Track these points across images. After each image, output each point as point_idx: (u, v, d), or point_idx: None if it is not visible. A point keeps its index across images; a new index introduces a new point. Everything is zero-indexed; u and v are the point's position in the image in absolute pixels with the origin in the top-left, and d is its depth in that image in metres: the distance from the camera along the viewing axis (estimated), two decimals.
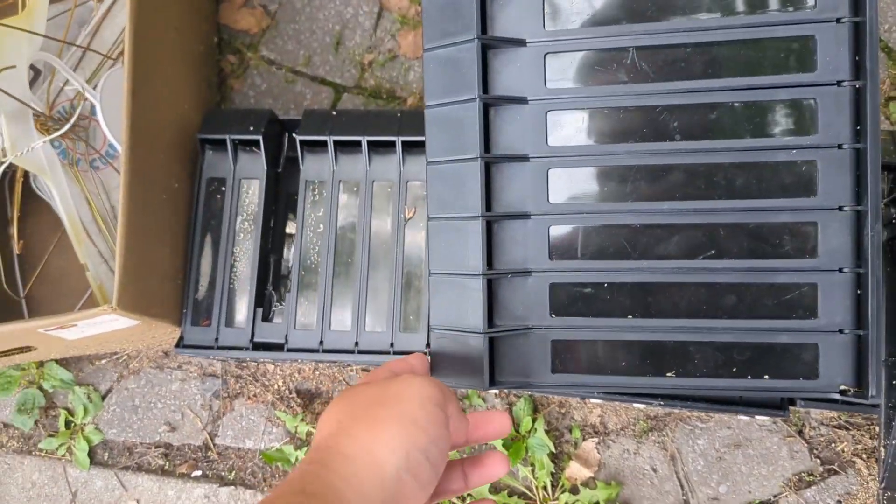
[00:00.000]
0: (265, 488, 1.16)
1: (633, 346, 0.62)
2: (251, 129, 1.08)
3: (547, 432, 1.12)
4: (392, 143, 1.06)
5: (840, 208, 0.59)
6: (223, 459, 1.19)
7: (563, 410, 1.14)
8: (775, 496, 1.07)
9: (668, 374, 0.61)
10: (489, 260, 0.63)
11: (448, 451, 0.52)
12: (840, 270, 0.59)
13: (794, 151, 0.59)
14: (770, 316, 0.60)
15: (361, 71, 1.29)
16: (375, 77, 1.28)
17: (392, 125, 1.07)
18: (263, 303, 1.07)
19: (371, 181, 1.08)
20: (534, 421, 1.12)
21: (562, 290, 0.63)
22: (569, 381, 0.63)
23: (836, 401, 0.63)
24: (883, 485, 0.87)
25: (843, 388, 0.58)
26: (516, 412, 1.13)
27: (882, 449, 0.88)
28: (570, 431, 1.13)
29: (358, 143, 1.06)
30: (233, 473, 1.18)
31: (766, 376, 0.59)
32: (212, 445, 1.19)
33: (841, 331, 0.59)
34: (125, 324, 0.95)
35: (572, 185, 0.63)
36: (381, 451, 0.48)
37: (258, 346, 1.05)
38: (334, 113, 1.09)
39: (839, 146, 0.59)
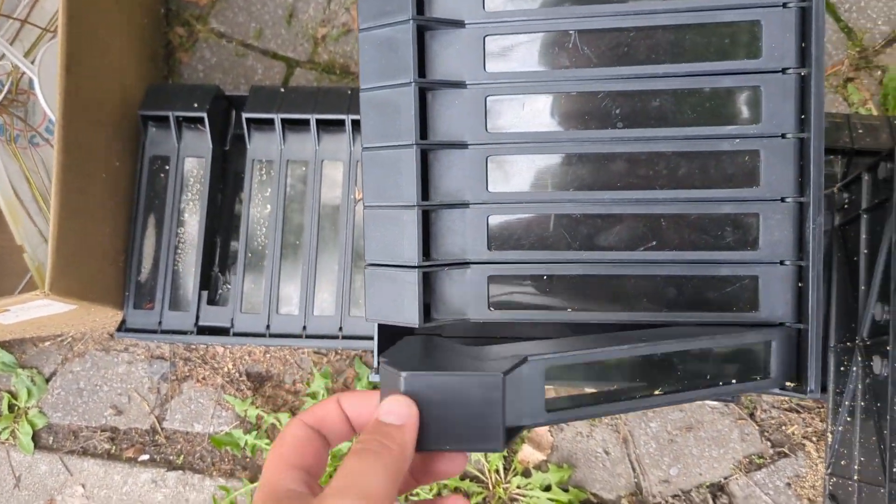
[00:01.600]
0: (214, 473, 1.14)
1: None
2: (196, 105, 1.04)
3: None
4: (342, 122, 1.03)
5: (783, 199, 0.57)
6: (171, 443, 1.16)
7: None
8: (725, 478, 1.07)
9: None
10: (426, 251, 0.61)
11: None
12: (781, 263, 0.58)
13: (738, 141, 0.58)
14: (711, 309, 0.59)
15: (315, 45, 1.25)
16: (329, 52, 1.25)
17: (342, 103, 1.04)
18: (209, 285, 1.04)
19: (320, 161, 1.05)
20: None
21: (501, 282, 0.61)
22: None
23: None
24: (829, 470, 0.87)
25: (787, 384, 0.57)
26: None
27: (829, 434, 0.88)
28: None
29: (307, 122, 1.03)
30: (181, 458, 1.15)
31: (708, 376, 0.58)
32: (159, 429, 1.17)
33: (782, 324, 0.58)
34: (61, 308, 0.92)
35: (512, 173, 0.61)
36: None
37: (203, 330, 1.02)
38: (282, 90, 1.06)
39: (783, 136, 0.57)
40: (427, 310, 0.62)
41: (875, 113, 1.12)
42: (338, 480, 0.37)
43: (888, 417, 0.73)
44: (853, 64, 1.15)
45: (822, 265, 0.56)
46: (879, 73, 1.14)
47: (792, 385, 0.58)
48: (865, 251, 0.83)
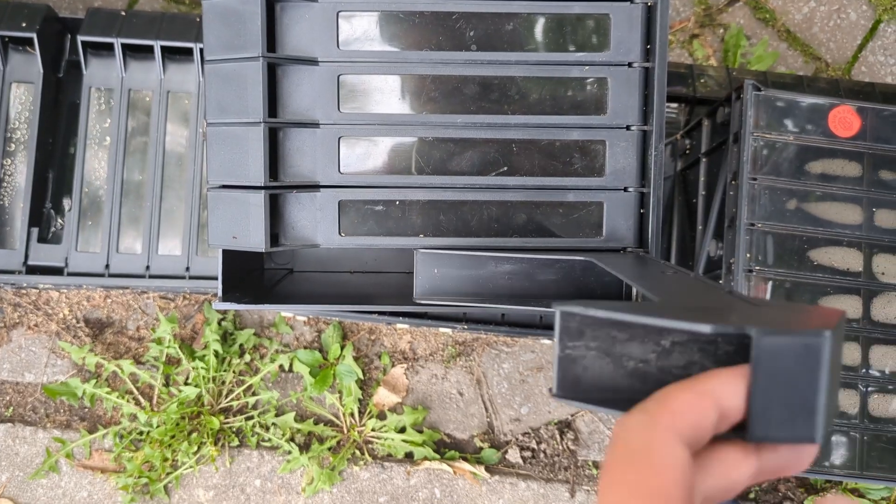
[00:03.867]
0: (48, 425, 1.06)
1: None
2: (24, 25, 0.95)
3: (356, 359, 1.10)
4: (190, 51, 0.97)
5: (628, 127, 0.59)
6: None
7: (372, 337, 1.12)
8: (572, 415, 1.11)
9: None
10: (273, 172, 0.58)
11: None
12: (625, 189, 0.60)
13: (588, 68, 0.58)
14: (558, 235, 0.60)
15: None
16: None
17: (190, 30, 0.97)
18: (41, 222, 0.96)
19: (166, 91, 0.98)
20: (342, 348, 1.09)
21: (351, 207, 0.60)
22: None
23: None
24: None
25: None
26: (325, 339, 1.10)
27: None
28: (380, 358, 1.11)
29: (150, 49, 0.96)
30: (10, 410, 1.07)
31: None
32: None
33: (624, 249, 0.60)
34: None
35: (364, 93, 0.59)
36: None
37: (34, 270, 0.95)
38: (123, 13, 0.98)
39: (629, 64, 0.58)
40: (275, 237, 0.59)
41: (716, 65, 1.18)
42: None
43: None
44: (699, 21, 1.20)
45: (664, 202, 0.59)
46: (722, 30, 1.20)
47: None
48: (703, 192, 0.87)
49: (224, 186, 0.58)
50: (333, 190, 0.59)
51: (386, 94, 0.59)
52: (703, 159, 0.88)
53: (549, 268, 0.58)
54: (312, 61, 0.58)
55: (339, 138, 0.59)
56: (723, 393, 0.29)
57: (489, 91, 0.59)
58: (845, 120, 0.79)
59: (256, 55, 0.55)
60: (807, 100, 0.79)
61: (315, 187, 0.59)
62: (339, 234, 0.60)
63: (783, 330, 0.28)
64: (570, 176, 0.60)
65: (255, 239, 0.58)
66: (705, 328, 0.29)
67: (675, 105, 0.98)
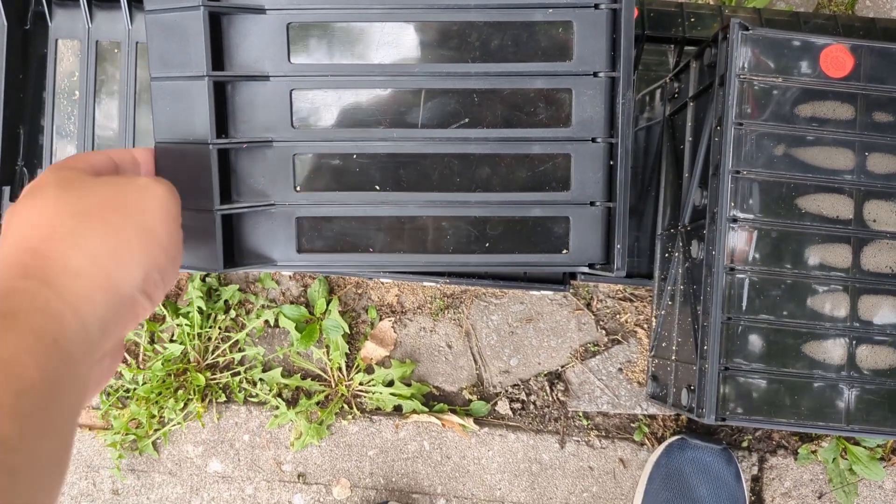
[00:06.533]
0: None
1: (383, 222, 0.58)
2: None
3: (343, 313, 1.09)
4: None
5: (595, 74, 0.56)
6: None
7: (359, 291, 1.11)
8: (562, 366, 1.10)
9: (421, 251, 0.58)
10: (223, 128, 0.56)
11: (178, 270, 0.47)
12: (593, 140, 0.57)
13: (551, 11, 0.55)
14: (523, 188, 0.57)
15: None
16: None
17: None
18: (13, 181, 0.95)
19: (135, 42, 0.95)
20: (328, 302, 1.08)
21: (307, 161, 0.57)
22: (315, 261, 0.58)
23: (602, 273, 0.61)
24: (652, 353, 0.90)
25: (590, 262, 0.57)
26: (311, 294, 1.09)
27: (653, 319, 0.91)
28: (367, 312, 1.10)
29: None
30: None
31: (517, 252, 0.57)
32: None
33: (592, 203, 0.57)
34: None
35: (316, 45, 0.56)
36: (117, 268, 0.40)
37: None
38: None
39: (596, 6, 0.55)
40: (228, 194, 0.57)
41: (711, 3, 1.13)
42: None
43: (701, 298, 0.76)
44: None
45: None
46: None
47: (599, 266, 0.58)
48: (690, 139, 0.84)
49: (171, 143, 0.55)
50: (287, 144, 0.57)
51: (338, 44, 0.56)
52: (691, 103, 0.84)
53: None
54: (259, 9, 0.55)
55: (291, 91, 0.56)
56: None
57: (448, 38, 0.56)
58: (838, 59, 0.75)
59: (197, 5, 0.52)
60: (797, 38, 0.75)
61: (268, 142, 0.57)
62: (295, 189, 0.58)
63: None
64: (535, 127, 0.57)
65: (205, 200, 0.56)
66: None
67: (662, 46, 0.94)
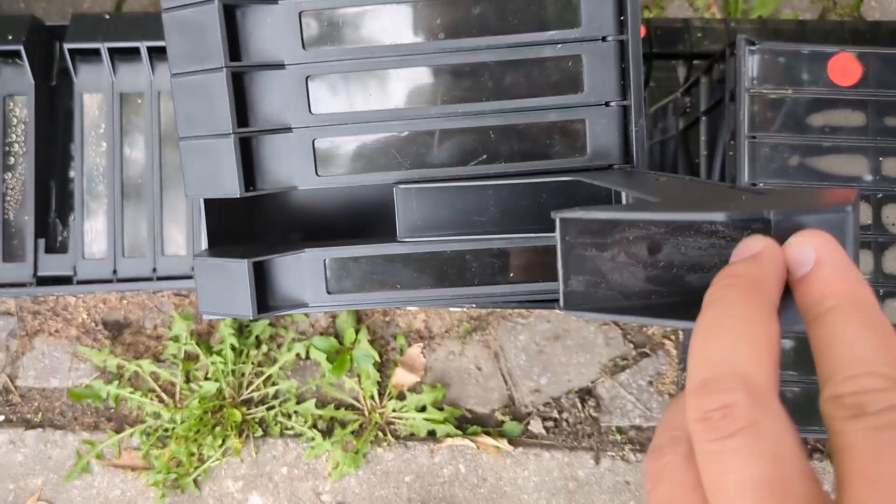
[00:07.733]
0: (76, 427, 1.09)
1: (409, 260, 0.60)
2: (10, 38, 0.95)
3: (371, 342, 1.10)
4: None
5: (607, 104, 0.57)
6: (27, 401, 1.10)
7: (387, 319, 1.12)
8: (592, 382, 1.10)
9: (446, 286, 0.59)
10: (251, 180, 0.58)
11: None
12: (610, 167, 0.58)
13: (560, 46, 0.56)
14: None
15: None
16: None
17: None
18: (47, 233, 0.98)
19: (157, 92, 0.98)
20: (357, 332, 1.10)
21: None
22: (345, 300, 0.59)
23: None
24: (682, 365, 0.91)
25: None
26: (339, 324, 1.11)
27: (681, 332, 0.92)
28: (395, 339, 1.12)
29: (138, 50, 0.96)
30: (39, 415, 1.10)
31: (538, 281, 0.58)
32: (13, 388, 1.10)
33: None
34: None
35: (333, 94, 0.58)
36: None
37: (44, 281, 0.96)
38: (107, 17, 0.98)
39: (603, 39, 0.56)
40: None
41: (719, 17, 1.14)
42: None
43: None
44: None
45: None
46: None
47: None
48: (705, 153, 0.85)
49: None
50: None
51: (355, 92, 0.58)
52: (703, 118, 0.85)
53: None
54: (279, 65, 0.57)
55: (314, 141, 0.58)
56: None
57: (461, 79, 0.57)
58: (846, 68, 0.76)
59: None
60: (804, 49, 0.76)
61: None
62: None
63: (803, 210, 0.26)
64: (550, 158, 0.58)
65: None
66: (719, 216, 0.27)
67: (671, 61, 0.95)
